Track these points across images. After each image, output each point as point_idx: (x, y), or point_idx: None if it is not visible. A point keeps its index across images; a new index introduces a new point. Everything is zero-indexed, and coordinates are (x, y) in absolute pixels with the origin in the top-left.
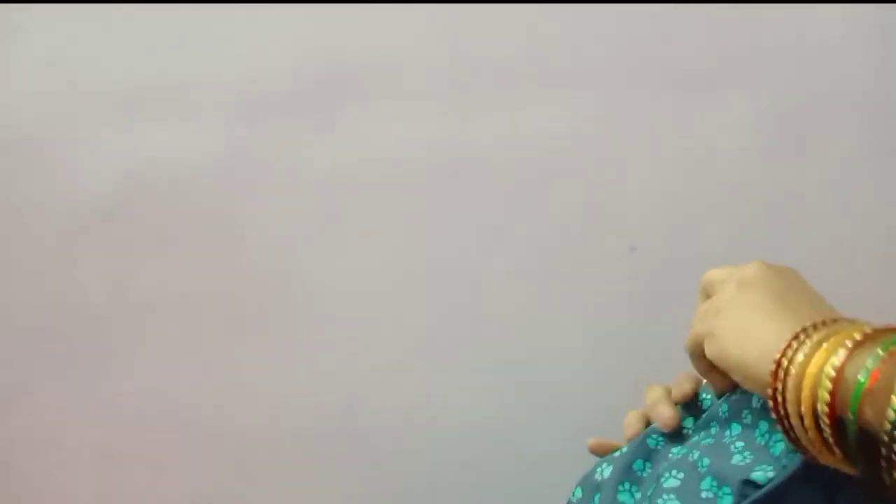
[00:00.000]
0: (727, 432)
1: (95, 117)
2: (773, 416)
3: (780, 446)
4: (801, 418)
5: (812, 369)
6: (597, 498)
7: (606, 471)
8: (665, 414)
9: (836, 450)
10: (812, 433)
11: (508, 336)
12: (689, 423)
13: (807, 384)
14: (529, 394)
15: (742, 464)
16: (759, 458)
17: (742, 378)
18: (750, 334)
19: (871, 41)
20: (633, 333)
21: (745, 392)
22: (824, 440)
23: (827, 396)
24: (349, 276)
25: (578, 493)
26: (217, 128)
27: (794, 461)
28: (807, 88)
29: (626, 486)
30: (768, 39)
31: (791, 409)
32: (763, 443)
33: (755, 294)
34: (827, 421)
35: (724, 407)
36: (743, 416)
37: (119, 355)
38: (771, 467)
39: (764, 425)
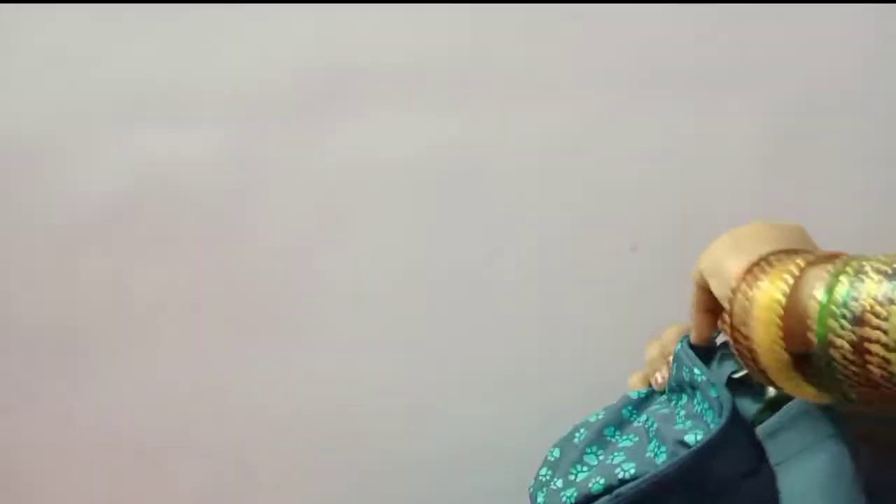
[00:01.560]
0: (677, 401)
1: (97, 120)
2: (730, 340)
3: (710, 413)
4: (756, 341)
5: (763, 298)
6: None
7: (583, 434)
8: (659, 380)
9: (794, 373)
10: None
11: (509, 337)
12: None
13: (760, 313)
14: (530, 395)
15: (680, 428)
16: (696, 424)
17: (718, 283)
18: (742, 248)
19: (871, 42)
20: (633, 333)
21: (679, 366)
22: (780, 360)
23: (779, 321)
24: (350, 277)
25: (556, 453)
26: (219, 130)
27: (718, 423)
28: (807, 89)
29: (594, 448)
30: (769, 40)
31: (743, 331)
32: (699, 410)
33: (771, 230)
34: (782, 344)
35: (673, 383)
36: (683, 387)
37: (121, 357)
38: (702, 431)
39: (698, 395)
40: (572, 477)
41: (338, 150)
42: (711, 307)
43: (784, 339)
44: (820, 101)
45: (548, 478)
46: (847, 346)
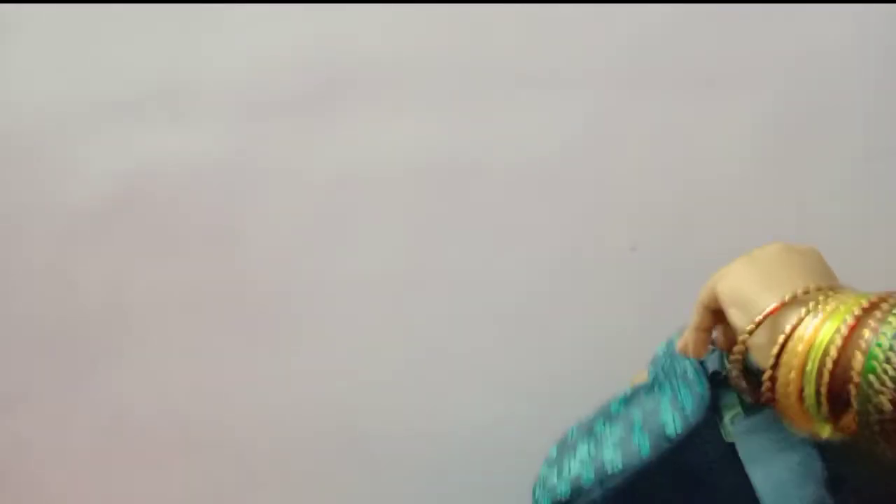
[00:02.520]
0: (662, 395)
1: (95, 120)
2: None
3: (691, 404)
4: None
5: (819, 337)
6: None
7: (575, 432)
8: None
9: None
10: (798, 390)
11: (510, 338)
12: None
13: (810, 352)
14: (531, 396)
15: (665, 421)
16: (677, 416)
17: (743, 315)
18: (773, 280)
19: (873, 42)
20: (633, 333)
21: (672, 361)
22: (818, 397)
23: (830, 364)
24: (350, 277)
25: (553, 453)
26: (217, 131)
27: (697, 416)
28: (808, 89)
29: (586, 442)
30: (770, 40)
31: (784, 367)
32: (680, 402)
33: (795, 256)
34: (826, 388)
35: (661, 375)
36: (672, 381)
37: (118, 358)
38: (682, 424)
39: (682, 389)
40: (566, 473)
41: (337, 149)
42: (712, 327)
43: (829, 383)
44: (819, 101)
45: (545, 475)
46: (887, 404)
